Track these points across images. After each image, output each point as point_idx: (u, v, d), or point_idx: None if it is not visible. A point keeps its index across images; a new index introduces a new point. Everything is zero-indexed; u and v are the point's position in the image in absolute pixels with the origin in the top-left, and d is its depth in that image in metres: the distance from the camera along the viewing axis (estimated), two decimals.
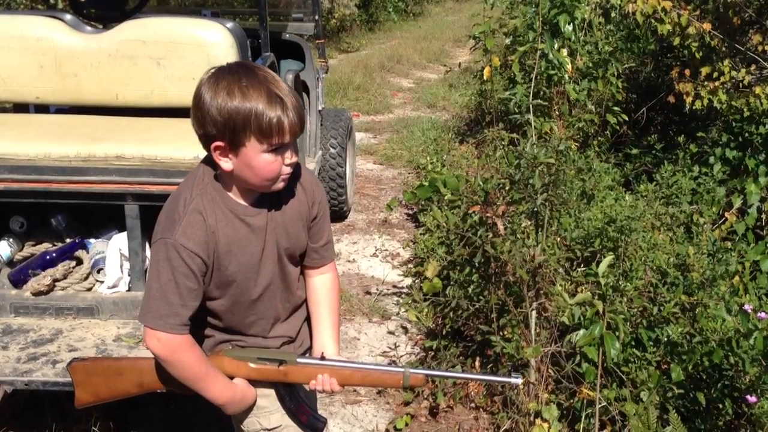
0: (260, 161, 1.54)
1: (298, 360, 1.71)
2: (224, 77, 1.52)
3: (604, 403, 2.61)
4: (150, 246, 2.77)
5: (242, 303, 1.70)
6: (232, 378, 1.71)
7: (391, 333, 3.77)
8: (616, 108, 5.12)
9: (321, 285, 1.84)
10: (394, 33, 15.70)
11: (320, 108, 4.77)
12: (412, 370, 1.74)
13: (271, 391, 1.76)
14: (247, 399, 1.73)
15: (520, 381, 1.78)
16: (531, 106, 2.97)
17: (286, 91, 1.54)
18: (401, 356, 3.50)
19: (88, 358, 1.80)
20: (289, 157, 1.57)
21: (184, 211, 1.58)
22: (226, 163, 1.56)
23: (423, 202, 4.77)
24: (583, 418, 2.70)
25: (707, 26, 4.45)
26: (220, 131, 1.51)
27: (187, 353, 1.61)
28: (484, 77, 5.48)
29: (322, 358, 1.73)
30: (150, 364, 1.69)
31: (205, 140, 1.56)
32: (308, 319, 1.88)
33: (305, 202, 1.74)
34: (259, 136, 1.51)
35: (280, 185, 1.61)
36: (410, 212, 5.45)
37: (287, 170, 1.59)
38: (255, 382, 1.74)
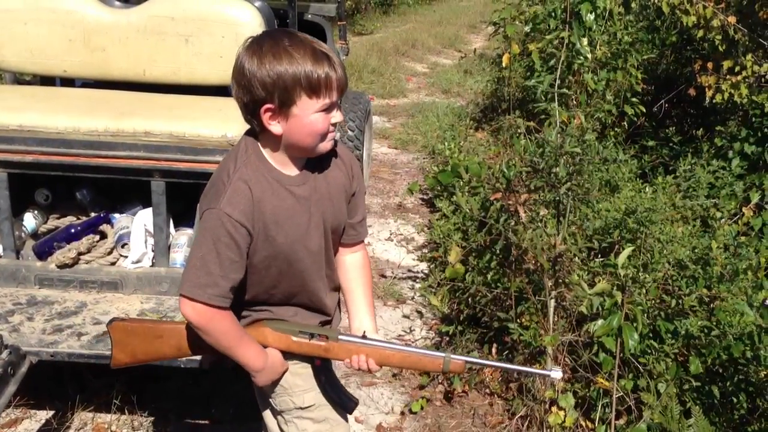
0: (310, 120, 1.55)
1: (340, 337, 1.72)
2: (265, 42, 1.54)
3: (621, 393, 2.63)
4: (174, 224, 2.82)
5: (289, 276, 1.70)
6: None
7: (406, 317, 3.78)
8: (634, 99, 5.10)
9: (354, 262, 1.86)
10: (408, 17, 15.63)
11: None
12: (453, 356, 1.74)
13: (305, 371, 1.77)
14: (277, 367, 1.74)
15: (560, 375, 1.78)
16: (556, 95, 2.96)
17: (328, 48, 1.56)
18: (416, 340, 3.53)
19: (127, 319, 1.80)
20: (336, 117, 1.60)
21: (229, 181, 1.58)
22: (275, 127, 1.57)
23: (439, 188, 4.78)
24: (599, 407, 2.73)
25: (732, 19, 4.42)
26: (270, 93, 1.52)
27: (222, 322, 1.62)
28: (503, 64, 5.45)
29: (364, 336, 1.74)
30: (189, 328, 1.70)
31: (253, 106, 1.55)
32: (339, 302, 1.89)
33: (347, 175, 1.76)
34: (309, 92, 1.52)
35: (328, 145, 1.63)
36: (425, 197, 5.46)
37: (333, 129, 1.61)
38: (290, 360, 1.76)
